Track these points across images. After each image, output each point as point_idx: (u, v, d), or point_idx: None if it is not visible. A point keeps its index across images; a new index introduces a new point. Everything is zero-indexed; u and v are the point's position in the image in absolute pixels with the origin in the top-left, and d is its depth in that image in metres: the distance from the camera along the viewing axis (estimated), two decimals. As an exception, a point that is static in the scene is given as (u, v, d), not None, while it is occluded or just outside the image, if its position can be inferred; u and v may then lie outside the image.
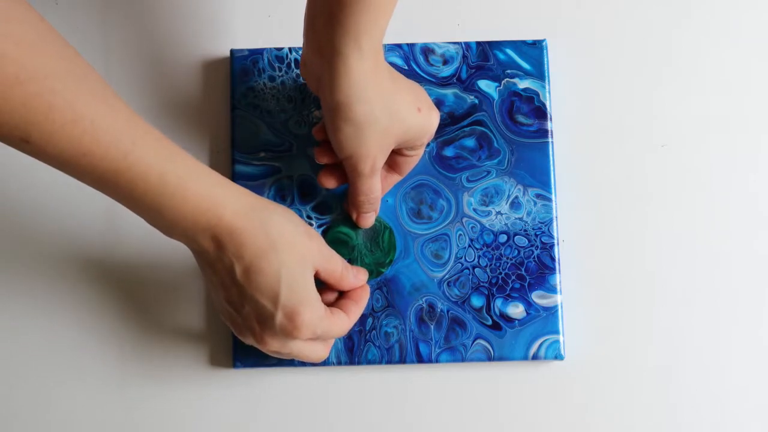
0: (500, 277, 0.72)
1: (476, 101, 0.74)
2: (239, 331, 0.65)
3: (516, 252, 0.72)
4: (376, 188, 0.69)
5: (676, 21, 0.76)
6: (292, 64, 0.74)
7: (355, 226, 0.72)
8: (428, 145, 0.73)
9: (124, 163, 0.57)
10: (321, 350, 0.67)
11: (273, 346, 0.64)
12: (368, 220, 0.72)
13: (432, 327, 0.72)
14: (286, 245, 0.62)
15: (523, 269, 0.72)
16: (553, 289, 0.72)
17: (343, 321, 0.66)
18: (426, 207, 0.73)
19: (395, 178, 0.72)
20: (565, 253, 0.73)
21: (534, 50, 0.74)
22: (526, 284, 0.72)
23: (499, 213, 0.73)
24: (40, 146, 0.55)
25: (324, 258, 0.65)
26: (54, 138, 0.55)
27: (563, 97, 0.75)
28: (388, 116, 0.64)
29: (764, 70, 0.75)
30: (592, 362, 0.72)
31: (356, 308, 0.68)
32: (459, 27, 0.76)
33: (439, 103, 0.73)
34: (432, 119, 0.67)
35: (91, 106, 0.56)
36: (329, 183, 0.70)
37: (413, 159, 0.70)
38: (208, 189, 0.61)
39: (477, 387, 0.72)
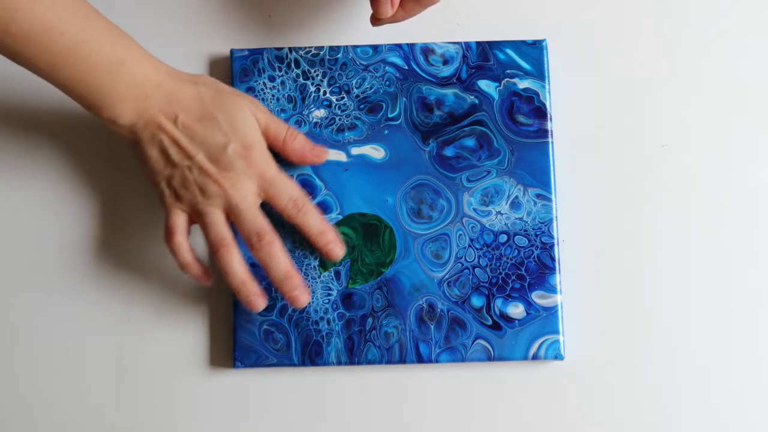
0: (500, 277, 0.72)
1: (476, 101, 0.74)
2: (190, 192, 0.68)
3: (516, 252, 0.72)
4: None
5: (676, 21, 0.76)
6: (292, 64, 0.74)
7: (355, 226, 0.72)
8: (428, 144, 0.73)
9: (81, 35, 0.64)
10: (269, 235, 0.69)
11: (232, 186, 0.67)
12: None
13: (432, 327, 0.72)
14: (230, 93, 0.69)
15: (523, 269, 0.72)
16: (553, 289, 0.72)
17: (294, 185, 0.70)
18: (426, 207, 0.73)
19: (416, 9, 0.69)
20: (565, 253, 0.73)
21: (534, 50, 0.74)
22: (526, 284, 0.72)
23: (499, 213, 0.73)
24: (4, 25, 0.62)
25: (267, 113, 0.70)
26: (19, 15, 0.62)
27: (563, 97, 0.75)
28: None
29: (764, 70, 0.75)
30: (592, 362, 0.72)
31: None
32: (459, 27, 0.76)
33: (439, 103, 0.73)
34: None
35: None
36: (386, 8, 0.67)
37: None
38: (149, 56, 0.68)
39: (477, 387, 0.72)
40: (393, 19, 0.68)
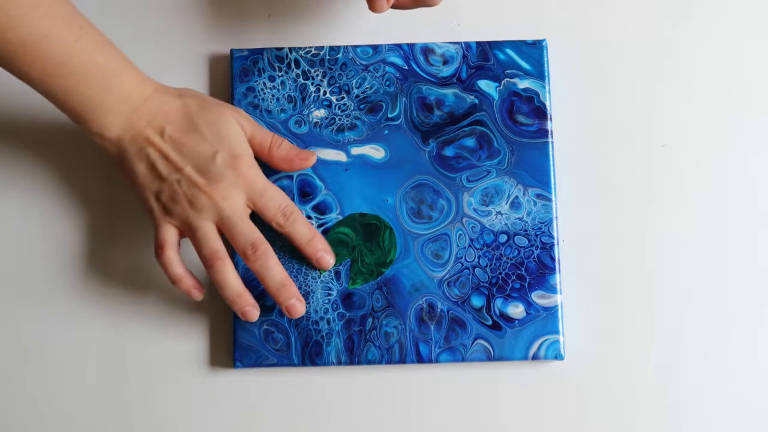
0: (500, 277, 0.72)
1: (476, 101, 0.74)
2: (179, 206, 0.67)
3: (516, 252, 0.72)
4: None
5: (676, 21, 0.76)
6: (292, 64, 0.74)
7: (355, 226, 0.72)
8: (428, 144, 0.73)
9: (77, 45, 0.64)
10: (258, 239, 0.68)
11: (223, 198, 0.67)
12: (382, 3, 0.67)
13: (432, 327, 0.72)
14: (215, 104, 0.69)
15: (523, 269, 0.72)
16: (553, 289, 0.72)
17: (282, 194, 0.70)
18: (426, 207, 0.73)
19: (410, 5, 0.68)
20: (565, 253, 0.73)
21: (534, 50, 0.74)
22: (526, 284, 0.72)
23: (499, 213, 0.73)
24: (1, 32, 0.61)
25: (252, 122, 0.70)
26: (18, 23, 0.62)
27: (563, 97, 0.75)
28: None
29: (764, 70, 0.75)
30: (592, 362, 0.73)
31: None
32: (459, 27, 0.76)
33: (439, 103, 0.73)
34: None
35: None
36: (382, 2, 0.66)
37: None
38: (138, 70, 0.68)
39: (477, 387, 0.72)
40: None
